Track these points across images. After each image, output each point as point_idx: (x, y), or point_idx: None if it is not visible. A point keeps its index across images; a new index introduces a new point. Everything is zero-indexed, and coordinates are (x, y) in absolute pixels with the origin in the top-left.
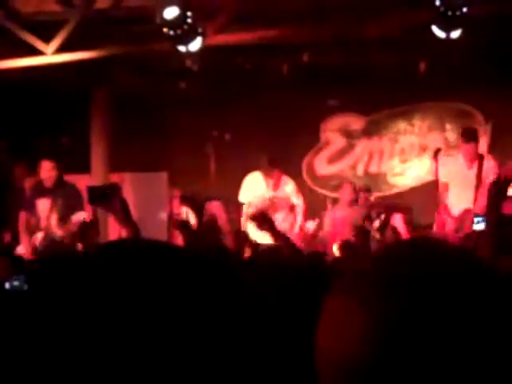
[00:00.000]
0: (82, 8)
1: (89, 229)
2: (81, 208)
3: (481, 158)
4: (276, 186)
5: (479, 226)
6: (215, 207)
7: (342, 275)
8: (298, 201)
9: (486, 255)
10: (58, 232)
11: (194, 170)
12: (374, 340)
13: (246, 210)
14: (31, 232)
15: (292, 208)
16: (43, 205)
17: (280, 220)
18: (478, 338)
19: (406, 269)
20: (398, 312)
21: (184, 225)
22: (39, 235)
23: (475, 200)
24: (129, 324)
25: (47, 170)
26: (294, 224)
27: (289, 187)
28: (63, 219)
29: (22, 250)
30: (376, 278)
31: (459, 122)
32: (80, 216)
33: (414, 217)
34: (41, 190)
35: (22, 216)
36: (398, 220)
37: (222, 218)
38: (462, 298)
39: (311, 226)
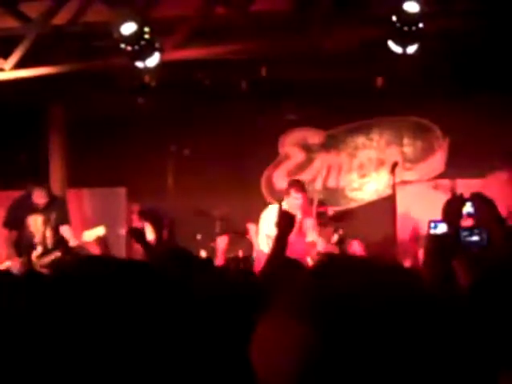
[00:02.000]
0: (39, 24)
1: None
2: (67, 220)
3: None
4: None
5: (435, 230)
6: None
7: (282, 291)
8: (314, 238)
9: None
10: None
11: (152, 186)
12: (307, 356)
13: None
14: (22, 249)
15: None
16: (35, 221)
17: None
18: (410, 352)
19: (340, 287)
20: (330, 331)
21: (137, 234)
22: (36, 252)
23: None
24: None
25: (41, 197)
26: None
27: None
28: (55, 231)
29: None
30: (311, 295)
31: (417, 137)
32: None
33: (372, 230)
34: (31, 208)
35: (8, 233)
36: (355, 246)
37: None
38: (394, 315)
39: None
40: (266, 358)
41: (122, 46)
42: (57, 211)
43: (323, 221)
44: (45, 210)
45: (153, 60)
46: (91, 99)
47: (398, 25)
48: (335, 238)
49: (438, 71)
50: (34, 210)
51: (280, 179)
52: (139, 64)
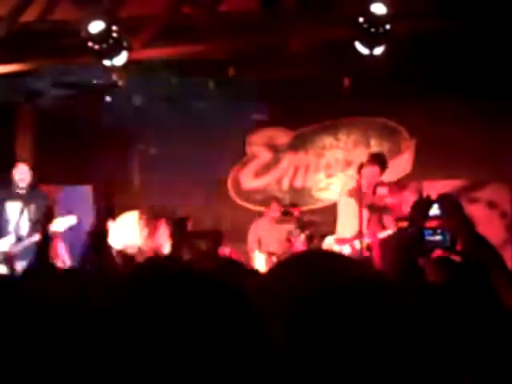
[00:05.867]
0: (7, 21)
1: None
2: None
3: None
4: (151, 235)
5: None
6: None
7: None
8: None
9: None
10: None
11: (118, 184)
12: None
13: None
14: None
15: None
16: (13, 208)
17: None
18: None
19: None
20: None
21: (100, 234)
22: (9, 239)
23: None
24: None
25: (22, 172)
26: None
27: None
28: (35, 225)
29: None
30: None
31: (384, 138)
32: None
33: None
34: (11, 193)
35: None
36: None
37: None
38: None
39: None
40: None
41: (90, 44)
42: (36, 203)
43: (290, 221)
44: (24, 198)
45: (120, 59)
46: (59, 97)
47: (365, 26)
48: (302, 237)
49: (405, 72)
50: (13, 196)
51: (247, 179)
52: (107, 62)
